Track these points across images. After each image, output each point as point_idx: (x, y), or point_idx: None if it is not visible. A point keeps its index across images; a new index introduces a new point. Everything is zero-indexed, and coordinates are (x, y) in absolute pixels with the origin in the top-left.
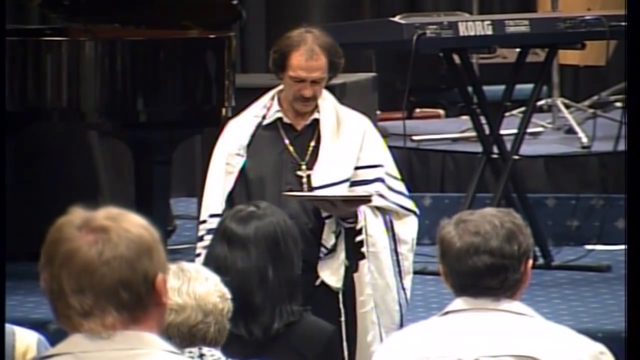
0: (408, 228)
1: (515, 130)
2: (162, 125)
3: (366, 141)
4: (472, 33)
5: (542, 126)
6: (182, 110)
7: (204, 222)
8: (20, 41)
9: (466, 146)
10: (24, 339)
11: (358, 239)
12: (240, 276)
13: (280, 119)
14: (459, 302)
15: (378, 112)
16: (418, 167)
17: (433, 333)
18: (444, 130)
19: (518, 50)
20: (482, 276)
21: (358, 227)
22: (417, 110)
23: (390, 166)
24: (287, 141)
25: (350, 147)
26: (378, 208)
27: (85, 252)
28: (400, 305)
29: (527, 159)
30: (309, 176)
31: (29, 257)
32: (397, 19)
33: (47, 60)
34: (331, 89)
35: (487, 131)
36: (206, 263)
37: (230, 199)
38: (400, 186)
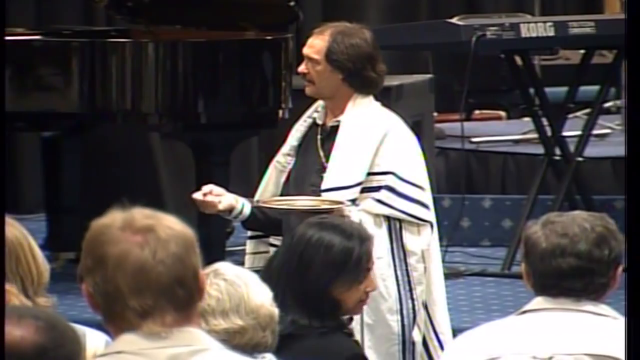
0: (420, 239)
1: (579, 132)
2: (221, 127)
3: (385, 146)
4: (534, 34)
5: (610, 128)
6: (240, 112)
7: None
8: (89, 42)
9: (528, 148)
10: (93, 341)
11: None
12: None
13: (315, 119)
14: (538, 301)
15: (435, 114)
16: (477, 169)
17: (508, 331)
18: (505, 131)
19: (582, 51)
20: (565, 278)
21: None
22: (477, 111)
23: (409, 172)
24: (318, 143)
25: (365, 151)
26: (386, 216)
27: (138, 252)
28: (402, 315)
29: (593, 161)
30: None
31: None
32: (454, 20)
33: (112, 62)
34: (388, 90)
35: (549, 133)
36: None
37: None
38: (418, 194)
